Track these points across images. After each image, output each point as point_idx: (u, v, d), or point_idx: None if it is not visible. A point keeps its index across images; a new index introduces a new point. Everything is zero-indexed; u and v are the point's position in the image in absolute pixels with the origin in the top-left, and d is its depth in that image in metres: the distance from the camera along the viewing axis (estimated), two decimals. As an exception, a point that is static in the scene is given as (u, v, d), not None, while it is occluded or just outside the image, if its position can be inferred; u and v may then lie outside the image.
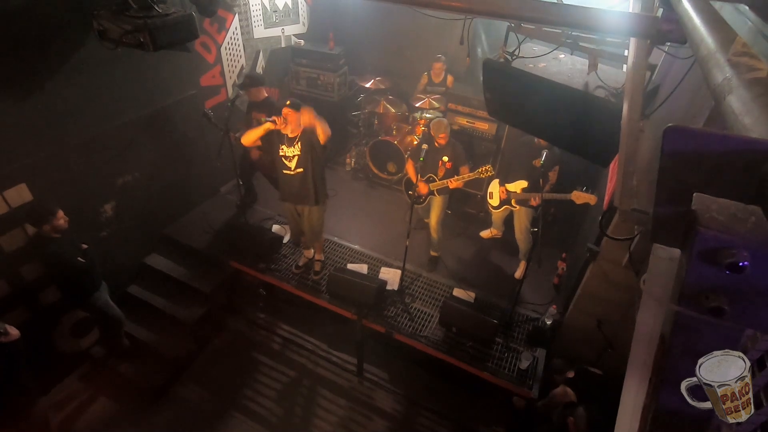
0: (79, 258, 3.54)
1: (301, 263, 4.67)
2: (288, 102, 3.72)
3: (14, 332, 3.05)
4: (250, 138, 3.81)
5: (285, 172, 3.92)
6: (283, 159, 3.88)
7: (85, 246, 3.65)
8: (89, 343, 4.27)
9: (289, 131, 3.76)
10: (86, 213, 4.08)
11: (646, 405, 0.86)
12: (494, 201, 4.60)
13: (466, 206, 5.64)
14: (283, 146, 3.83)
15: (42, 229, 3.39)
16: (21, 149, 3.44)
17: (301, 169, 3.87)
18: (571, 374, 3.59)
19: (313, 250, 4.65)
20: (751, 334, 1.36)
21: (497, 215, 4.74)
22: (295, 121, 3.71)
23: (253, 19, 5.50)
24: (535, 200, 3.98)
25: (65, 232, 3.48)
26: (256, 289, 4.89)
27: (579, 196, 3.91)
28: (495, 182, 4.57)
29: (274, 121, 3.66)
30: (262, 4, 5.56)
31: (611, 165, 3.23)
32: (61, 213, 3.42)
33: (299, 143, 3.79)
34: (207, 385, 4.27)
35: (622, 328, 3.50)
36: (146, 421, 3.95)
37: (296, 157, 3.83)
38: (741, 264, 0.54)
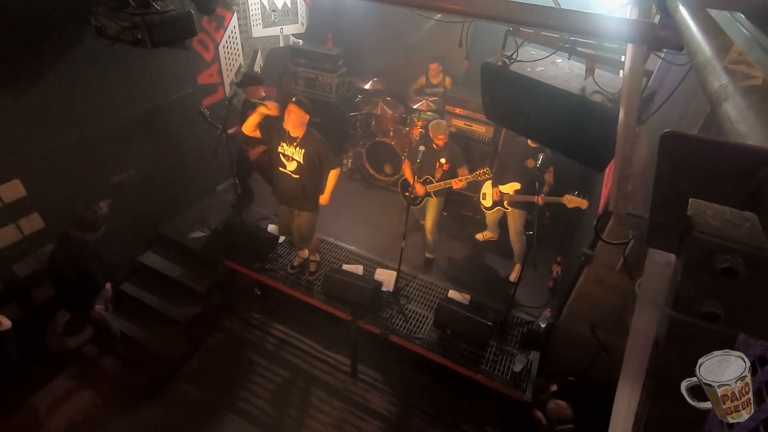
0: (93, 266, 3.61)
1: (296, 263, 4.66)
2: (294, 99, 3.71)
3: (6, 322, 3.07)
4: (249, 126, 3.81)
5: (281, 169, 3.89)
6: (282, 156, 3.84)
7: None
8: (81, 341, 4.23)
9: (290, 128, 3.72)
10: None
11: (640, 409, 0.86)
12: (487, 202, 4.62)
13: (462, 208, 5.65)
14: (284, 143, 3.80)
15: (80, 235, 3.45)
16: (15, 145, 3.42)
17: (297, 176, 3.85)
18: (554, 388, 3.60)
19: (307, 251, 4.65)
20: (744, 339, 1.37)
21: (491, 217, 4.76)
22: (298, 119, 3.68)
23: (251, 18, 5.49)
24: (539, 200, 4.00)
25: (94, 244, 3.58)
26: (251, 289, 4.87)
27: (571, 200, 3.95)
28: (488, 183, 4.59)
29: (265, 105, 3.69)
30: (261, 4, 5.56)
31: (607, 170, 3.25)
32: (100, 232, 3.55)
33: (302, 150, 3.76)
34: (200, 384, 4.24)
35: (616, 332, 3.52)
36: (138, 421, 3.92)
37: (296, 164, 3.81)
38: (735, 269, 0.54)
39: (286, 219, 4.27)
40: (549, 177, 4.17)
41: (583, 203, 3.93)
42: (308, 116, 3.71)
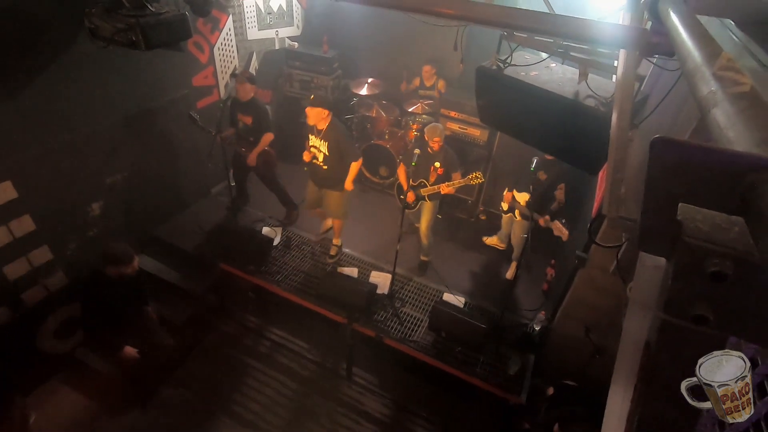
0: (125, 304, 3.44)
1: (321, 231, 4.97)
2: (312, 96, 4.05)
3: None
4: (254, 158, 4.67)
5: (313, 161, 4.28)
6: (312, 148, 4.24)
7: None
8: (74, 344, 4.19)
9: (313, 123, 4.09)
10: (73, 212, 4.02)
11: (632, 411, 0.87)
12: (505, 205, 4.67)
13: (457, 211, 5.66)
14: (312, 135, 4.19)
15: (116, 271, 3.25)
16: (6, 147, 3.39)
17: (326, 166, 4.23)
18: (551, 391, 3.61)
19: (331, 221, 4.88)
20: (736, 341, 1.39)
21: (505, 221, 4.83)
22: (318, 116, 4.02)
23: (247, 20, 5.49)
24: (541, 222, 4.09)
25: (128, 279, 3.35)
26: (246, 292, 4.85)
27: (557, 228, 4.08)
28: (506, 189, 4.67)
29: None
30: (257, 6, 5.56)
31: (600, 173, 3.28)
32: (136, 262, 3.31)
33: (326, 142, 4.12)
34: (194, 388, 4.21)
35: (609, 334, 3.54)
36: (131, 424, 3.89)
37: (323, 155, 4.19)
38: (724, 273, 0.55)
39: (313, 194, 4.56)
40: (560, 194, 4.18)
41: (565, 235, 4.07)
42: (327, 111, 4.04)
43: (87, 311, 3.46)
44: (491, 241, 5.22)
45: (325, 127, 4.09)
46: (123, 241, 3.41)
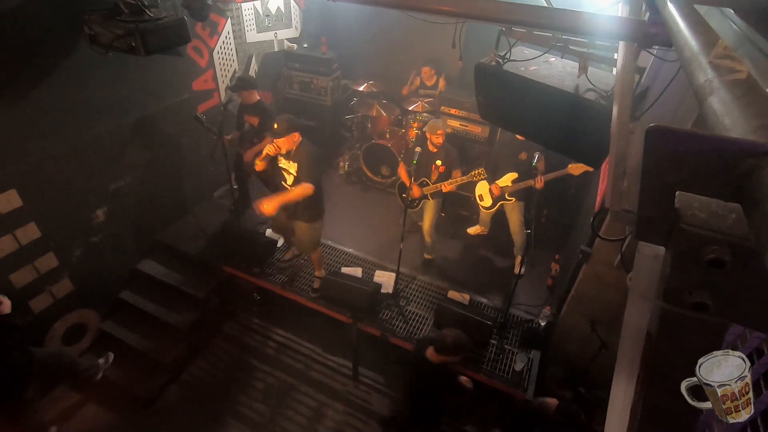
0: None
1: (287, 257, 4.71)
2: (276, 126, 3.58)
3: (6, 302, 3.05)
4: (250, 156, 4.38)
5: (283, 183, 3.85)
6: (282, 171, 3.82)
7: None
8: (81, 349, 4.22)
9: (284, 150, 3.68)
10: (78, 218, 4.05)
11: (635, 402, 0.87)
12: (486, 202, 4.63)
13: (460, 209, 5.66)
14: (281, 157, 3.76)
15: (439, 359, 3.13)
16: (10, 154, 3.42)
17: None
18: (568, 395, 3.60)
19: (314, 266, 4.53)
20: (740, 332, 1.38)
21: (487, 215, 4.79)
22: (290, 142, 3.62)
23: (245, 23, 5.51)
24: (539, 182, 4.01)
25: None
26: (250, 294, 4.87)
27: (576, 168, 3.99)
28: (481, 184, 4.61)
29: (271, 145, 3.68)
30: (255, 9, 5.57)
31: (603, 167, 3.27)
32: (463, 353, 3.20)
33: (295, 164, 3.71)
34: (201, 390, 4.23)
35: (615, 328, 3.52)
36: (139, 428, 3.91)
37: (292, 178, 3.78)
38: (722, 260, 0.55)
39: (279, 222, 4.24)
40: (540, 164, 4.17)
41: (590, 167, 3.94)
42: (296, 133, 3.64)
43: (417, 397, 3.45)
44: (475, 230, 5.22)
45: (295, 148, 3.66)
46: (459, 331, 3.21)
